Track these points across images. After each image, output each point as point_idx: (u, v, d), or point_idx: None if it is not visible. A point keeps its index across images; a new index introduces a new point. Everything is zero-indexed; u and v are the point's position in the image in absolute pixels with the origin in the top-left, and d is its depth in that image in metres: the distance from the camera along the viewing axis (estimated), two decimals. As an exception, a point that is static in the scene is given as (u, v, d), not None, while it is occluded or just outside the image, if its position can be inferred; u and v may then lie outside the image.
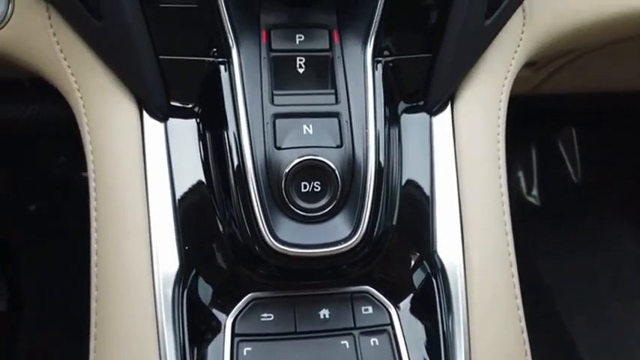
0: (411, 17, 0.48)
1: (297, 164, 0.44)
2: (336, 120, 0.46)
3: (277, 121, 0.45)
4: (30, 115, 0.78)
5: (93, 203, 0.50)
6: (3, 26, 0.50)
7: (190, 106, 0.49)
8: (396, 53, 0.49)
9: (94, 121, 0.48)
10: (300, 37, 0.48)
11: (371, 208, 0.45)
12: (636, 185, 1.40)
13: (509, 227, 0.50)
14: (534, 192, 1.48)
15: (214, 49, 0.47)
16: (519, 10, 0.53)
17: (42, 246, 1.30)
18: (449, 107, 0.52)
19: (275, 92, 0.46)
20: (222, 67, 0.47)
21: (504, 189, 0.53)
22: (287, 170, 0.44)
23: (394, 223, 0.48)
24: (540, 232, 1.41)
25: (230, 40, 0.46)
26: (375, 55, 0.48)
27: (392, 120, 0.49)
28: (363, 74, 0.47)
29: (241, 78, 0.46)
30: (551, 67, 0.78)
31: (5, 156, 1.32)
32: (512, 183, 1.46)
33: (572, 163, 1.46)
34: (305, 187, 0.44)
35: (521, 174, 1.45)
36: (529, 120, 1.37)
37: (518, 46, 0.54)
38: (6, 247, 1.29)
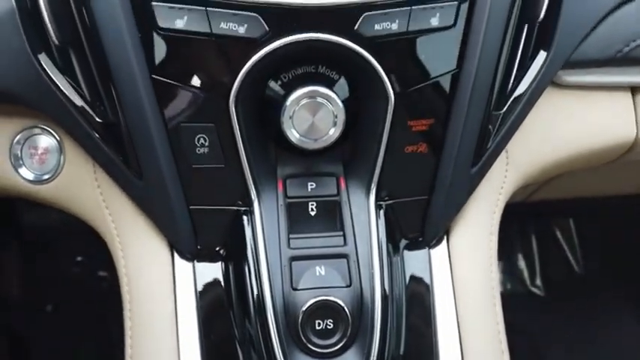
0: (407, 167, 0.55)
1: (312, 304, 0.49)
2: (345, 261, 0.52)
3: (293, 263, 0.51)
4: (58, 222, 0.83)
5: (128, 332, 0.55)
6: (54, 178, 0.58)
7: (216, 249, 0.56)
8: (396, 197, 0.56)
9: (131, 264, 0.55)
10: (311, 185, 0.55)
11: (379, 343, 0.50)
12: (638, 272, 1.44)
13: (506, 352, 0.55)
14: (538, 282, 1.51)
15: (238, 200, 0.55)
16: (502, 152, 0.60)
17: (58, 345, 1.33)
18: (445, 241, 0.58)
19: (291, 236, 0.53)
20: (244, 215, 0.54)
21: (499, 312, 0.58)
22: (303, 309, 0.49)
23: (401, 353, 0.53)
24: (546, 322, 1.43)
25: (252, 193, 0.54)
26: (377, 199, 0.55)
27: (395, 256, 0.56)
28: (367, 217, 0.54)
29: (261, 224, 0.53)
30: (541, 181, 0.85)
31: (23, 256, 1.38)
32: (516, 274, 1.51)
33: (572, 253, 1.51)
34: (319, 324, 0.49)
35: (523, 265, 1.50)
36: (526, 213, 1.44)
37: (504, 182, 0.62)
38: (22, 346, 1.32)
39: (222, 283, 0.55)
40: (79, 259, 1.44)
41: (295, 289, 0.50)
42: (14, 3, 0.50)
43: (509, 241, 1.54)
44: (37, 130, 0.58)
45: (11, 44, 0.51)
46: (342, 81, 0.53)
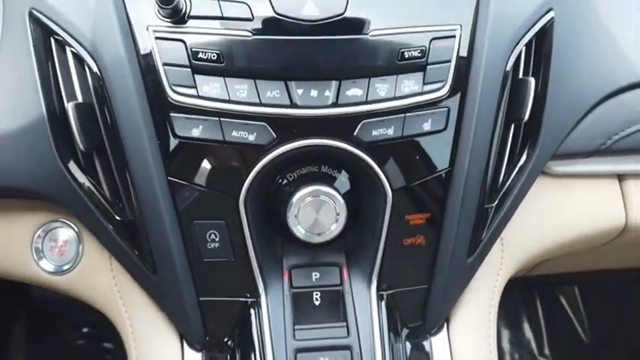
0: (406, 258, 0.58)
1: None
2: (348, 353, 0.54)
3: (299, 355, 0.54)
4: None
5: None
6: (73, 268, 0.61)
7: (225, 340, 0.58)
8: (397, 287, 0.59)
9: (142, 352, 0.57)
10: (315, 275, 0.58)
11: None
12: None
13: None
14: (546, 352, 1.50)
15: (246, 292, 0.58)
16: (497, 241, 0.63)
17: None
18: (445, 327, 0.61)
19: (296, 327, 0.56)
20: (251, 307, 0.57)
21: None
22: None
23: None
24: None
25: (259, 285, 0.57)
26: (378, 289, 0.58)
27: (396, 344, 0.58)
28: (369, 307, 0.57)
29: (268, 316, 0.56)
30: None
31: (30, 326, 1.38)
32: (524, 344, 1.50)
33: (579, 321, 1.50)
34: None
35: (530, 335, 1.49)
36: (531, 282, 1.45)
37: (500, 268, 0.64)
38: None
39: None
40: (84, 330, 1.45)
41: None
42: (45, 113, 0.55)
43: (515, 310, 1.54)
44: (57, 224, 0.62)
45: (40, 149, 0.56)
46: (344, 179, 0.57)
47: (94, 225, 0.57)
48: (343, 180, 0.56)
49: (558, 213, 0.66)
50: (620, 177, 0.70)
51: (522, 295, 1.56)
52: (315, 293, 0.57)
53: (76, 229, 0.61)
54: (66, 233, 0.61)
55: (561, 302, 1.57)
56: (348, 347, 0.55)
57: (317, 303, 0.57)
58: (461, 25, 0.55)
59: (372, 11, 0.54)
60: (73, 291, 0.62)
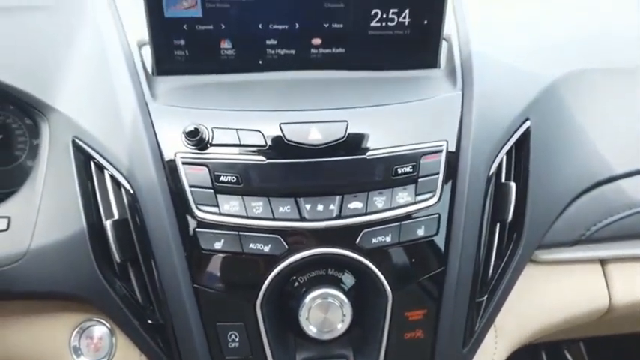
0: (407, 351, 0.65)
1: None
2: None
3: None
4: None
5: None
6: (106, 365, 0.68)
7: None
8: None
9: None
10: None
11: None
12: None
13: None
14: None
15: None
16: (491, 328, 0.69)
17: None
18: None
19: None
20: None
21: None
22: None
23: None
24: None
25: None
26: None
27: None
28: None
29: None
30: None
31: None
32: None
33: (586, 376, 1.53)
34: None
35: (537, 391, 1.52)
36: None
37: (495, 352, 0.70)
38: None
39: None
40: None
41: None
42: (85, 227, 0.63)
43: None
44: (92, 322, 0.69)
45: (81, 259, 0.63)
46: (348, 280, 0.64)
47: (127, 326, 0.64)
48: (348, 281, 0.64)
49: (546, 298, 0.73)
50: (602, 261, 0.77)
51: (528, 354, 1.59)
52: None
53: (109, 326, 0.68)
54: (100, 330, 0.68)
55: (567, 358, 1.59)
56: None
57: None
58: (447, 141, 0.64)
59: (368, 135, 0.62)
60: None
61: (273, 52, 0.74)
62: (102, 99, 0.65)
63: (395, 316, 0.63)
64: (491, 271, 0.66)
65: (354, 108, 0.64)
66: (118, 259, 0.61)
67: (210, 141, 0.61)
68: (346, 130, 0.62)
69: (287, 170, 0.61)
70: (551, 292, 0.74)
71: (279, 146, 0.61)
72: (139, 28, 0.74)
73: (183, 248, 0.61)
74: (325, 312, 0.61)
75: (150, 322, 0.62)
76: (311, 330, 0.61)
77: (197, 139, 0.60)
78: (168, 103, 0.65)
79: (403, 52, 0.75)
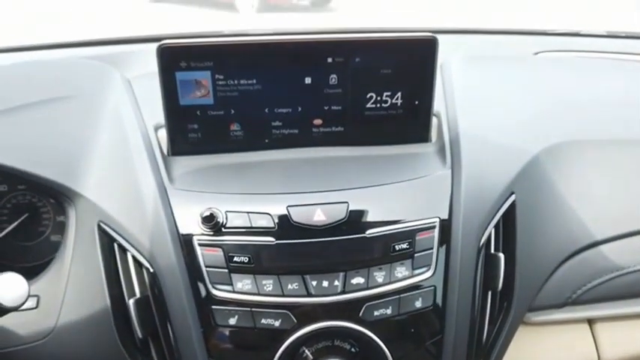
0: None
1: None
2: None
3: None
4: None
5: None
6: None
7: None
8: None
9: None
10: None
11: None
12: None
13: None
14: None
15: None
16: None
17: None
18: None
19: None
20: None
21: None
22: None
23: None
24: None
25: None
26: None
27: None
28: None
29: None
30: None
31: None
32: None
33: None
34: None
35: None
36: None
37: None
38: None
39: None
40: None
41: None
42: (109, 305, 0.69)
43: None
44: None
45: (104, 335, 0.68)
46: (353, 350, 0.69)
47: None
48: (353, 350, 0.69)
49: (538, 359, 0.77)
50: (590, 321, 0.82)
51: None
52: None
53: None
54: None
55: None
56: None
57: None
58: (439, 217, 0.70)
59: (367, 214, 0.69)
60: None
61: (278, 132, 0.82)
62: (123, 183, 0.72)
63: None
64: (485, 335, 0.71)
65: (354, 189, 0.71)
66: (140, 335, 0.66)
67: (224, 224, 0.67)
68: (347, 211, 0.68)
69: (294, 250, 0.67)
70: (543, 353, 0.79)
71: (287, 227, 0.67)
72: (155, 112, 0.81)
73: (200, 324, 0.66)
74: None
75: None
76: None
77: (213, 224, 0.67)
78: (184, 187, 0.72)
79: (397, 129, 0.82)
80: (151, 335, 0.68)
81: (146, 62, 1.00)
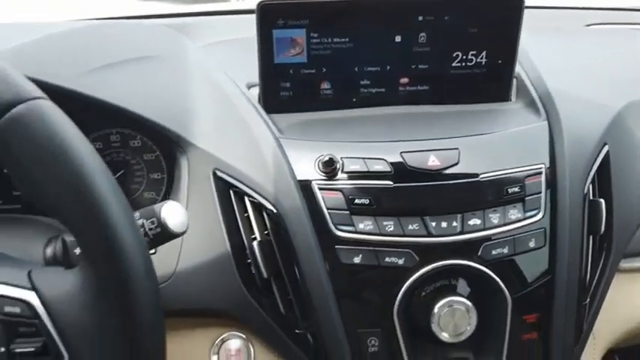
0: (524, 352, 0.72)
1: None
2: None
3: None
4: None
5: None
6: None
7: None
8: None
9: None
10: None
11: None
12: None
13: None
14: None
15: None
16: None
17: None
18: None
19: None
20: None
21: None
22: None
23: None
24: None
25: None
26: None
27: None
28: None
29: None
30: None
31: None
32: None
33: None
34: None
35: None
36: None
37: (593, 355, 0.77)
38: None
39: None
40: None
41: None
42: (230, 249, 0.70)
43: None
44: (227, 335, 0.75)
45: (226, 278, 0.70)
46: (469, 289, 0.71)
47: (271, 336, 0.70)
48: (469, 290, 0.71)
49: (631, 304, 0.80)
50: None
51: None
52: None
53: (245, 337, 0.74)
54: (236, 342, 0.74)
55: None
56: None
57: None
58: (544, 164, 0.73)
59: (478, 160, 0.71)
60: None
61: (365, 90, 0.84)
62: (236, 134, 0.74)
63: (514, 319, 0.70)
64: (588, 277, 0.74)
65: (462, 137, 0.73)
66: (265, 275, 0.68)
67: (341, 169, 0.69)
68: (459, 157, 0.70)
69: (413, 192, 0.69)
70: (636, 298, 0.82)
71: (403, 172, 0.70)
72: (235, 75, 0.84)
73: (325, 263, 0.68)
74: (453, 317, 0.68)
75: (297, 331, 0.69)
76: (444, 336, 0.68)
77: (331, 168, 0.69)
78: (294, 137, 0.74)
79: (479, 87, 0.85)
80: (273, 276, 0.69)
81: (203, 35, 1.02)
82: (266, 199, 0.69)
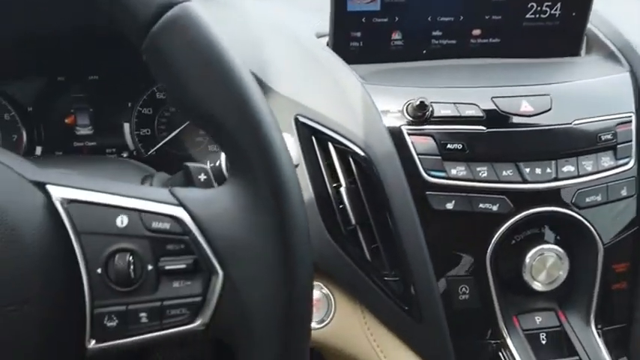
0: (614, 300, 0.71)
1: None
2: None
3: None
4: None
5: None
6: (327, 324, 0.72)
7: None
8: (607, 325, 0.71)
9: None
10: (538, 319, 0.70)
11: None
12: None
13: None
14: None
15: (489, 334, 0.69)
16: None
17: None
18: (646, 359, 0.72)
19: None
20: (499, 348, 0.69)
21: None
22: None
23: None
24: None
25: (502, 328, 0.69)
26: (596, 328, 0.70)
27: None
28: (592, 343, 0.69)
29: (517, 353, 0.67)
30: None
31: None
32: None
33: None
34: None
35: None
36: None
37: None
38: None
39: None
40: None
41: None
42: (314, 196, 0.68)
43: None
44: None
45: (311, 226, 0.67)
46: (559, 237, 0.71)
47: (355, 285, 0.69)
48: (559, 238, 0.70)
49: None
50: None
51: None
52: (541, 334, 0.69)
53: (325, 288, 0.73)
54: (316, 293, 0.72)
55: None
56: None
57: (543, 342, 0.69)
58: (633, 112, 0.71)
59: (570, 107, 0.70)
60: (329, 342, 0.72)
61: (437, 42, 0.82)
62: (319, 80, 0.71)
63: (605, 268, 0.69)
64: None
65: (553, 84, 0.71)
66: (353, 222, 0.67)
67: (431, 114, 0.68)
68: (551, 103, 0.69)
69: (506, 138, 0.67)
70: None
71: (496, 117, 0.68)
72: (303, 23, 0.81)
73: (415, 209, 0.66)
74: (545, 265, 0.67)
75: (385, 278, 0.67)
76: (536, 285, 0.68)
77: (423, 112, 0.67)
78: (379, 83, 0.72)
79: (551, 41, 0.83)
80: (360, 223, 0.68)
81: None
82: (355, 144, 0.67)
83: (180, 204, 0.39)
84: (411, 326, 0.68)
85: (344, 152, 0.69)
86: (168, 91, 0.40)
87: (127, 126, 0.85)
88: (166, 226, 0.38)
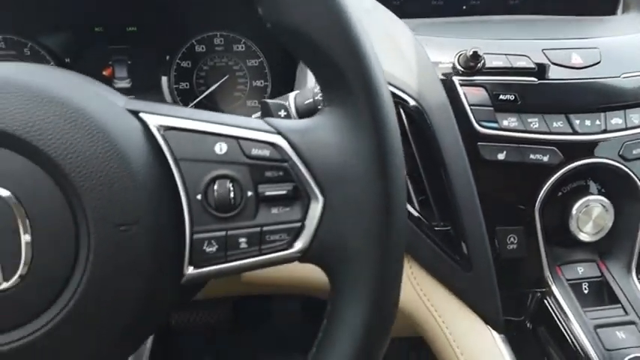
0: None
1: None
2: (634, 327, 0.67)
3: (598, 330, 0.66)
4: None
5: None
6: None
7: (524, 323, 0.71)
8: None
9: (459, 337, 0.69)
10: (580, 269, 0.72)
11: None
12: None
13: None
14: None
15: (536, 283, 0.71)
16: None
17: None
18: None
19: (583, 309, 0.68)
20: (544, 296, 0.70)
21: None
22: None
23: None
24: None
25: (548, 277, 0.70)
26: (638, 275, 0.71)
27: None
28: (634, 291, 0.70)
29: (563, 301, 0.68)
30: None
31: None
32: None
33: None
34: None
35: None
36: None
37: None
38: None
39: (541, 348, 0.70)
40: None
41: (609, 350, 0.65)
42: None
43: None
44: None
45: None
46: (603, 189, 0.72)
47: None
48: (603, 190, 0.71)
49: None
50: None
51: None
52: (583, 284, 0.71)
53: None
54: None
55: None
56: (632, 322, 0.68)
57: (586, 292, 0.70)
58: None
59: (619, 61, 0.70)
60: None
61: (476, -1, 0.82)
62: (369, 30, 0.71)
63: None
64: None
65: (601, 38, 0.72)
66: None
67: (483, 65, 0.68)
68: (600, 56, 0.69)
69: (557, 89, 0.68)
70: None
71: (547, 68, 0.68)
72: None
73: (467, 159, 0.67)
74: (590, 217, 0.69)
75: (436, 228, 0.68)
76: (583, 236, 0.69)
77: (475, 63, 0.67)
78: (429, 34, 0.71)
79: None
80: (409, 174, 0.68)
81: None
82: (408, 94, 0.67)
83: (278, 132, 0.39)
84: (460, 275, 0.69)
85: (395, 103, 0.69)
86: (266, 14, 0.40)
87: (164, 79, 0.85)
88: (266, 152, 0.38)
